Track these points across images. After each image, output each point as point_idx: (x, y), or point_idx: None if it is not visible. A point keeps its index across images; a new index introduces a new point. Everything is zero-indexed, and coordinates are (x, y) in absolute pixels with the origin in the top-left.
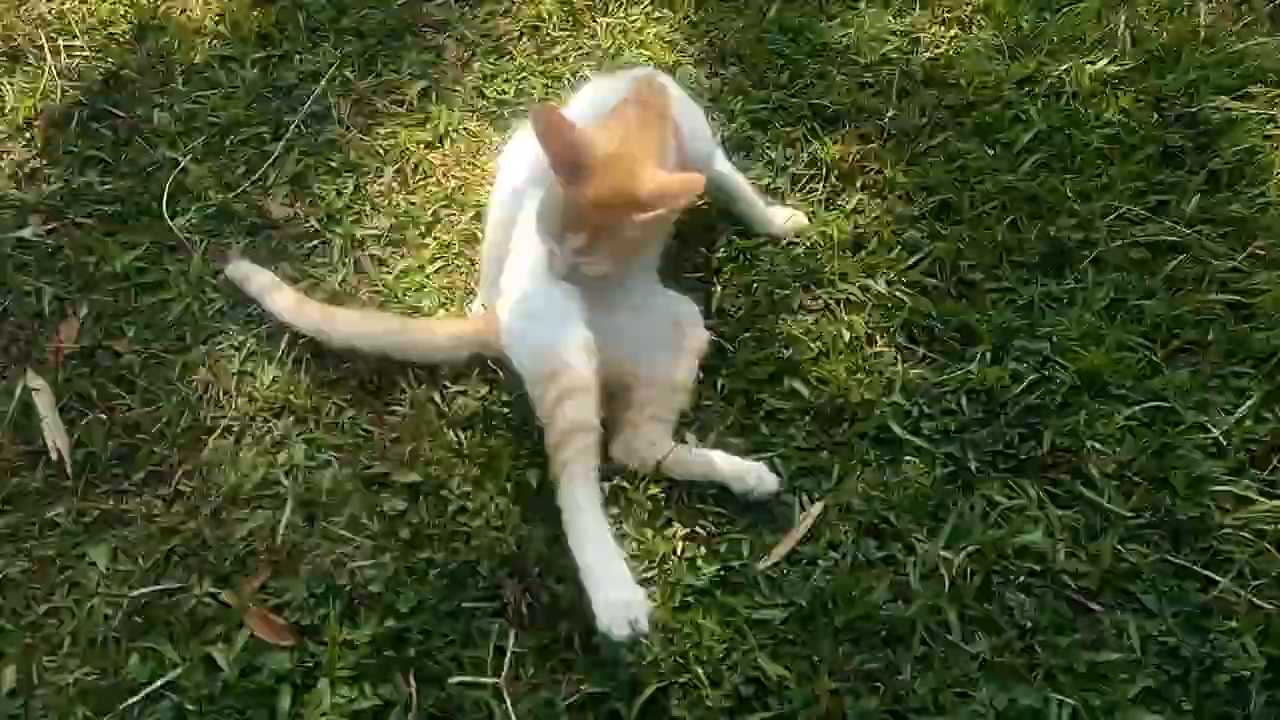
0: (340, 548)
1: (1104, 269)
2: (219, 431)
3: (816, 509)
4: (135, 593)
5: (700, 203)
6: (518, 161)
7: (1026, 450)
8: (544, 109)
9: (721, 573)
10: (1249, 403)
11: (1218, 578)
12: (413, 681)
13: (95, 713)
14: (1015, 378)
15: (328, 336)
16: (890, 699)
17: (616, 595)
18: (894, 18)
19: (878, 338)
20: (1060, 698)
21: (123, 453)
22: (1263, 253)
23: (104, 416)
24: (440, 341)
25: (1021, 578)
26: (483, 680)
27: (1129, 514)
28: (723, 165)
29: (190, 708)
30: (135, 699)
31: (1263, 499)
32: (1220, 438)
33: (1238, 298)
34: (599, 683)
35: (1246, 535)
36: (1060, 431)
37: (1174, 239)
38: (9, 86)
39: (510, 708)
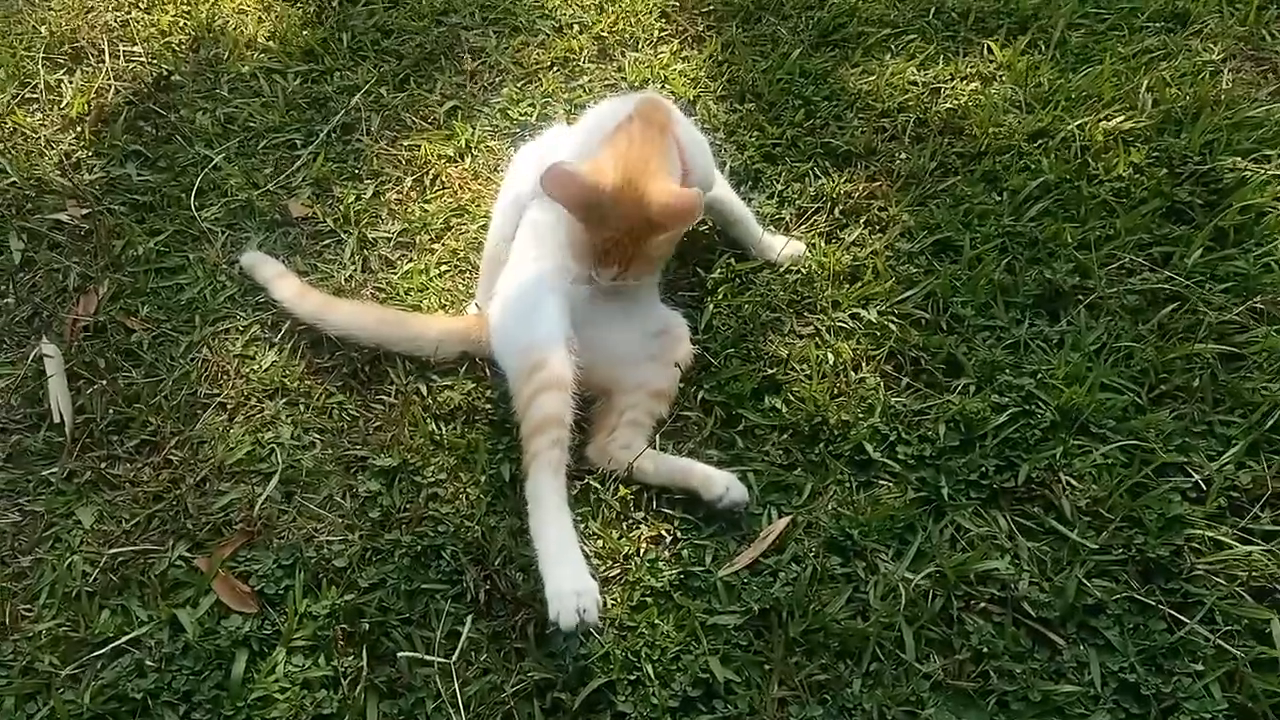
0: (313, 524)
1: (1098, 314)
2: (213, 408)
3: (783, 522)
4: (113, 551)
5: (700, 226)
6: (521, 173)
7: (1001, 481)
8: (552, 170)
9: (681, 576)
10: (1232, 450)
11: (1185, 619)
12: (365, 655)
13: (61, 661)
14: (996, 409)
15: (325, 324)
16: (836, 710)
17: (568, 586)
18: (917, 69)
19: (863, 364)
20: None
21: (120, 420)
22: (1262, 308)
23: (106, 385)
24: (432, 336)
25: (983, 604)
26: (431, 658)
27: (1098, 549)
28: (723, 189)
29: (150, 664)
30: (100, 652)
31: (1238, 545)
32: (1200, 482)
33: (1231, 349)
34: (547, 672)
35: (1219, 580)
36: (1037, 465)
37: (1172, 289)
38: (68, 84)
39: (458, 689)
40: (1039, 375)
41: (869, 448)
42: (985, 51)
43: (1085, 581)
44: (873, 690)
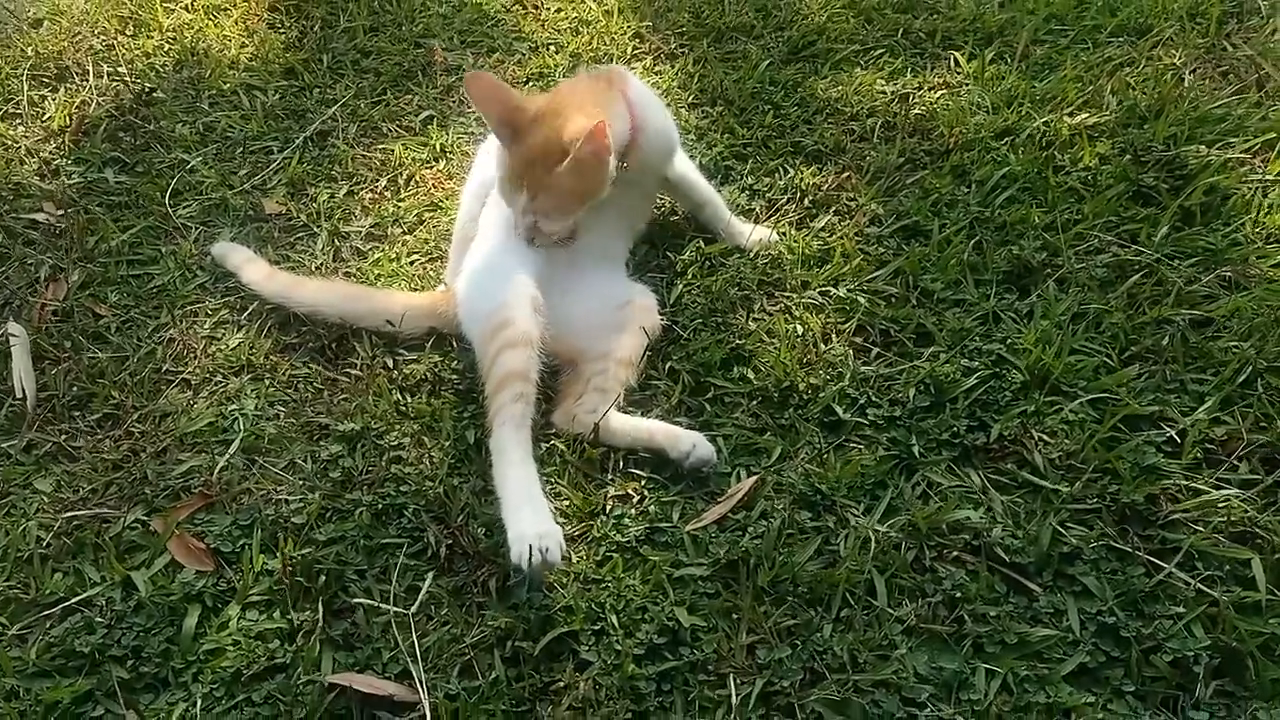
0: (273, 486)
1: (1067, 286)
2: (178, 384)
3: (751, 480)
4: (68, 514)
5: (670, 213)
6: (490, 158)
7: (973, 440)
8: (478, 75)
9: (648, 531)
10: (1206, 405)
11: (1164, 564)
12: (320, 609)
13: (9, 621)
14: (966, 372)
15: (293, 302)
16: (807, 655)
17: (530, 529)
18: (885, 80)
19: (832, 336)
20: (988, 667)
21: (83, 396)
22: (1231, 277)
23: (71, 364)
24: (396, 310)
25: (955, 553)
26: (387, 608)
27: (1071, 498)
28: (690, 171)
29: (100, 621)
30: (49, 612)
31: (1215, 491)
32: (1175, 436)
33: (1201, 314)
34: (508, 621)
35: (1197, 527)
36: (1009, 424)
37: (1141, 262)
38: (51, 100)
39: (415, 640)
40: (1009, 341)
41: (839, 409)
42: (952, 64)
43: (1060, 529)
44: (844, 635)
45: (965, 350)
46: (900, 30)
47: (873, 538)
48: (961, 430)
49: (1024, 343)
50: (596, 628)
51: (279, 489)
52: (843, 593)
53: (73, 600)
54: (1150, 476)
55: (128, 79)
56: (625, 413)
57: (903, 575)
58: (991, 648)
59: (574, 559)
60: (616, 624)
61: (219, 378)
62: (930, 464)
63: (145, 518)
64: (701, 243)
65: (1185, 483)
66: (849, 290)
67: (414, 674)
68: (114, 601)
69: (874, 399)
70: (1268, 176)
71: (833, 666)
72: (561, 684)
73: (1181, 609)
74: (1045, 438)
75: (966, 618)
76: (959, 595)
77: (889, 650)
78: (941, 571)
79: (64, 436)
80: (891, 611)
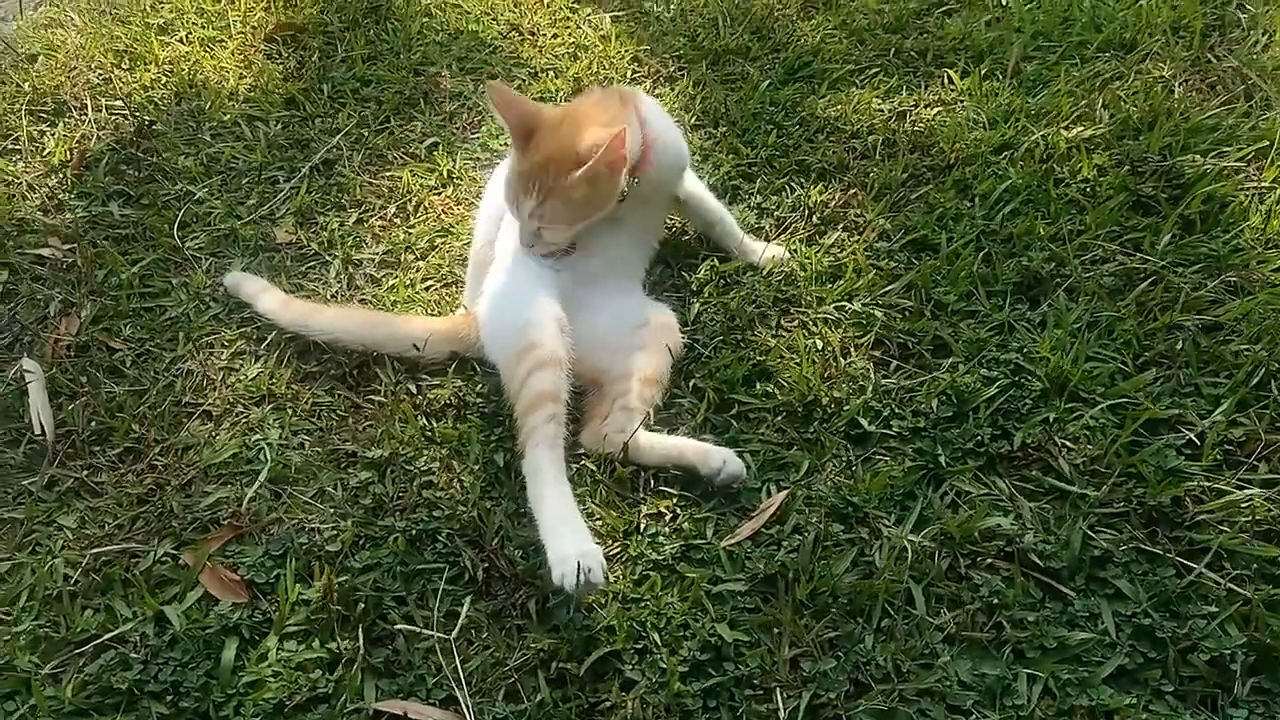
0: (304, 515)
1: (1076, 296)
2: (199, 416)
3: (782, 495)
4: (95, 550)
5: (681, 234)
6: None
7: (997, 448)
8: (497, 85)
9: (683, 549)
10: (1222, 407)
11: (1193, 565)
12: (361, 637)
13: (41, 660)
14: (986, 382)
15: (311, 329)
16: (851, 666)
17: (571, 549)
18: (880, 99)
19: (851, 350)
20: (1030, 671)
21: (102, 430)
22: (1236, 282)
23: (89, 399)
24: (418, 334)
25: (989, 560)
26: (429, 633)
27: (1099, 502)
28: (700, 189)
29: (135, 657)
30: (82, 650)
31: (1238, 491)
32: (1194, 439)
33: (1210, 319)
34: (552, 644)
35: (1224, 527)
36: (1031, 431)
37: (1146, 269)
38: (50, 135)
39: (459, 664)
40: (1025, 350)
41: (863, 422)
42: (946, 81)
43: (1090, 533)
44: (886, 645)
45: (983, 360)
46: (892, 50)
47: (908, 547)
48: (986, 439)
49: (1040, 351)
50: (639, 646)
51: (310, 518)
52: (882, 603)
53: (105, 637)
54: (1174, 479)
55: (127, 112)
56: (652, 431)
57: (939, 584)
58: (1031, 653)
59: (611, 578)
60: (659, 642)
61: (240, 408)
62: (957, 473)
63: (175, 551)
64: (716, 261)
65: (1208, 484)
66: (864, 305)
67: (460, 699)
68: (148, 637)
69: (897, 411)
70: (1263, 184)
71: (877, 677)
72: (609, 704)
73: (1214, 608)
74: (1068, 444)
75: (1005, 624)
76: (996, 602)
77: (931, 659)
78: (977, 579)
79: (85, 472)
80: (931, 620)
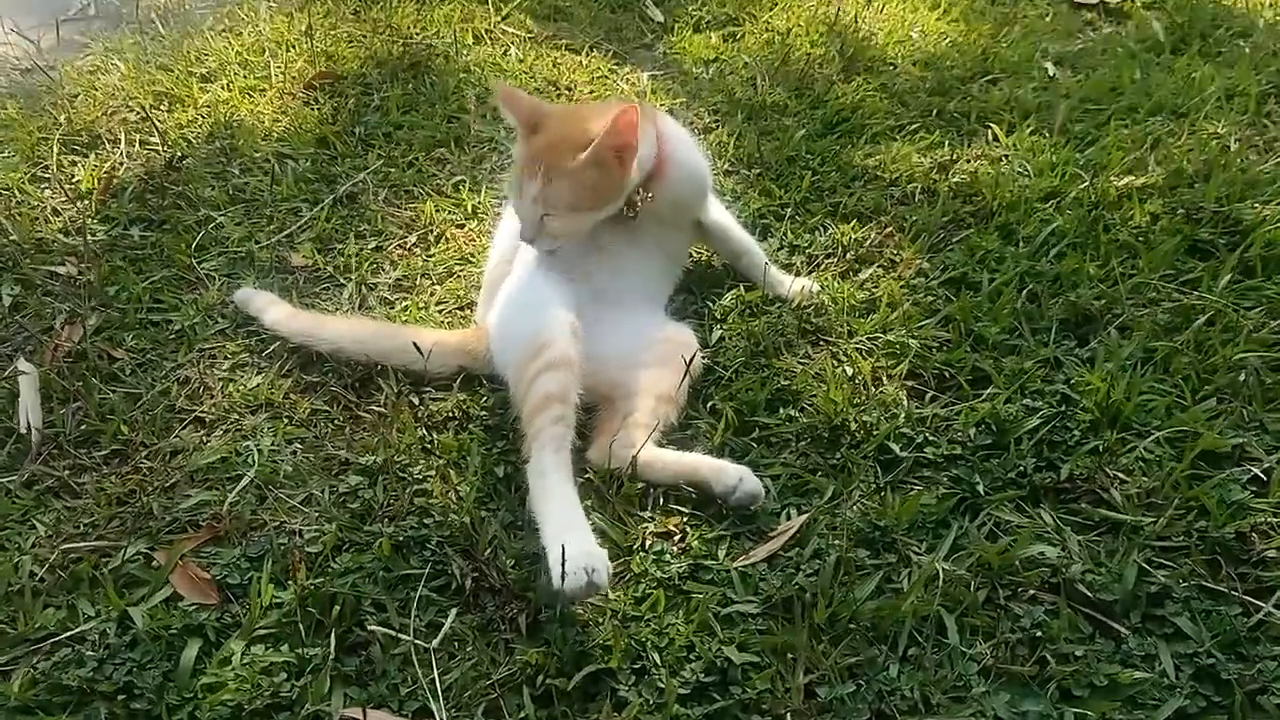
0: (288, 519)
1: (1129, 334)
2: (191, 422)
3: (804, 517)
4: (66, 546)
5: (707, 265)
6: None
7: (1041, 479)
8: (504, 86)
9: (691, 568)
10: None
11: (1261, 603)
12: (333, 642)
13: None
14: (1029, 412)
15: (318, 340)
16: (873, 695)
17: (574, 549)
18: (920, 154)
19: (884, 378)
20: (1077, 710)
21: (91, 433)
22: None
23: (82, 403)
24: (427, 345)
25: (1031, 591)
26: (406, 638)
27: (1155, 535)
28: (726, 218)
29: (90, 654)
30: (38, 646)
31: None
32: (1260, 474)
33: (1276, 355)
34: (539, 658)
35: None
36: (1080, 463)
37: (1204, 305)
38: (81, 165)
39: (436, 676)
40: (1072, 382)
41: (894, 447)
42: (990, 138)
43: (1146, 566)
44: (913, 673)
45: (1026, 391)
46: (935, 111)
47: (940, 574)
48: (1029, 469)
49: (1091, 381)
50: (636, 666)
51: (293, 520)
52: (909, 630)
53: (63, 635)
54: (1239, 512)
55: (160, 147)
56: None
57: (974, 614)
58: (1079, 690)
59: (611, 595)
60: (659, 661)
61: (235, 415)
62: (996, 503)
63: (148, 550)
64: (742, 289)
65: (1276, 519)
66: (898, 336)
67: (434, 712)
68: (107, 636)
69: (931, 438)
70: None
71: (903, 708)
72: None
73: None
74: (1121, 475)
75: (1049, 658)
76: (1039, 634)
77: (964, 691)
78: (1018, 610)
79: (68, 472)
80: (965, 650)
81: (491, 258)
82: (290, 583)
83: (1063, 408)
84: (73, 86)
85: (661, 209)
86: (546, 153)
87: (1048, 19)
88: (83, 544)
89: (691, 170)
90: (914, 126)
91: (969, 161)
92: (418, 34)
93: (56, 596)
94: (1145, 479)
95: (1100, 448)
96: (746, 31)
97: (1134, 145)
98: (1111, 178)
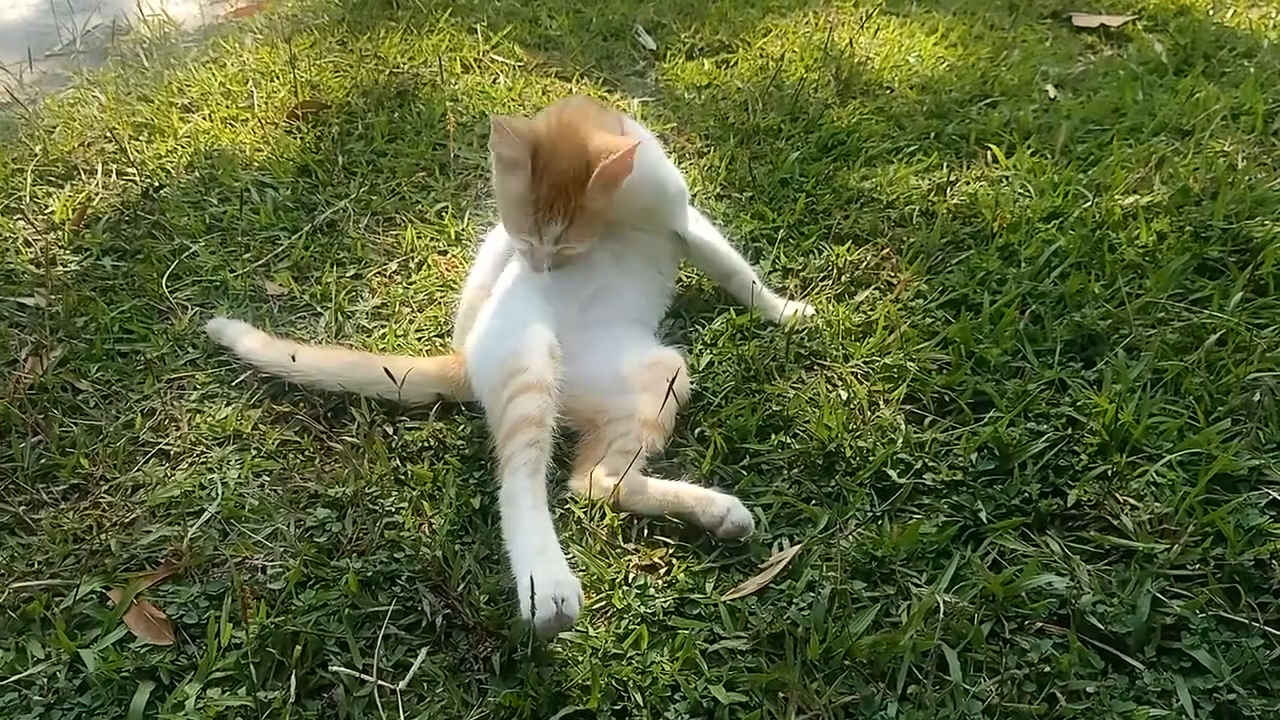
0: (251, 555)
1: (1137, 355)
2: (155, 455)
3: (796, 548)
4: (16, 585)
5: (697, 286)
6: (501, 234)
7: (1047, 506)
8: (498, 119)
9: (677, 602)
10: None
11: None
12: (293, 684)
13: None
14: (1034, 435)
15: (291, 371)
16: None
17: (543, 577)
18: (917, 176)
19: (880, 403)
20: None
21: (49, 467)
22: None
23: (41, 437)
24: (400, 371)
25: (1038, 623)
26: (370, 680)
27: (1170, 563)
28: (714, 238)
29: (37, 699)
30: None
31: None
32: (1277, 497)
33: None
34: (513, 701)
35: None
36: (1088, 488)
37: (1215, 324)
38: (55, 197)
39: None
40: (1079, 404)
41: (892, 474)
42: (989, 159)
43: (1160, 597)
44: (913, 712)
45: (1030, 414)
46: (932, 134)
47: (941, 606)
48: (1034, 495)
49: (1099, 404)
50: (617, 707)
51: (256, 556)
52: (908, 666)
53: (10, 679)
54: (1258, 539)
55: (137, 177)
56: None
57: (978, 649)
58: None
59: (591, 633)
60: (641, 702)
61: (201, 448)
62: (999, 530)
63: (103, 589)
64: (732, 313)
65: None
66: (895, 359)
67: None
68: (57, 679)
69: (930, 464)
70: None
71: None
72: None
73: None
74: (1131, 500)
75: (1059, 695)
76: (1048, 670)
77: None
78: (1024, 644)
79: (23, 508)
80: (968, 687)
81: (469, 283)
82: (244, 622)
83: (1069, 431)
84: (51, 118)
85: (629, 215)
86: (561, 195)
87: (1047, 43)
88: (35, 582)
89: (652, 172)
90: (911, 149)
91: (968, 183)
92: (405, 63)
93: (5, 638)
94: (1157, 504)
95: (1109, 472)
96: (740, 58)
97: (1138, 164)
98: (1116, 197)
